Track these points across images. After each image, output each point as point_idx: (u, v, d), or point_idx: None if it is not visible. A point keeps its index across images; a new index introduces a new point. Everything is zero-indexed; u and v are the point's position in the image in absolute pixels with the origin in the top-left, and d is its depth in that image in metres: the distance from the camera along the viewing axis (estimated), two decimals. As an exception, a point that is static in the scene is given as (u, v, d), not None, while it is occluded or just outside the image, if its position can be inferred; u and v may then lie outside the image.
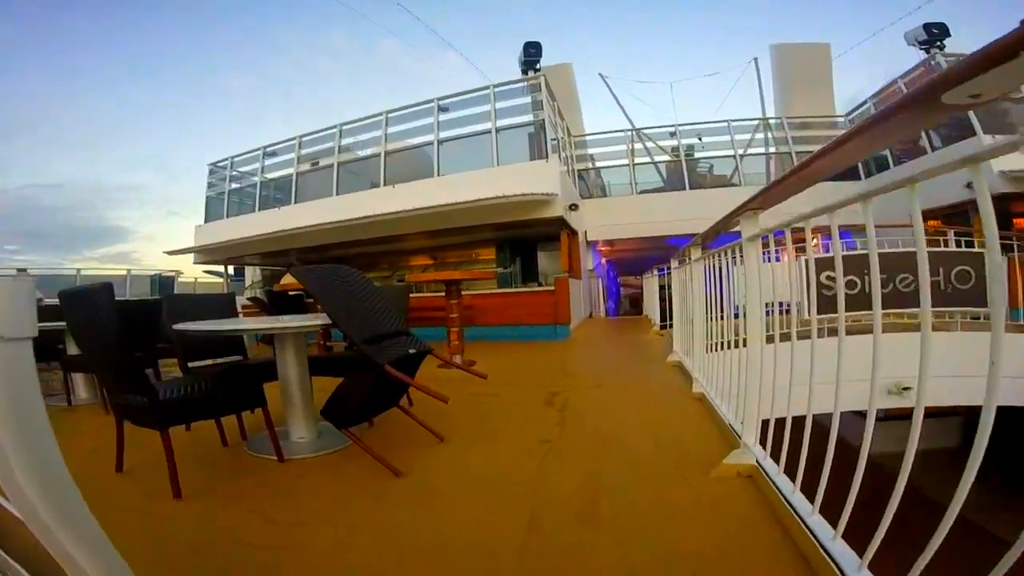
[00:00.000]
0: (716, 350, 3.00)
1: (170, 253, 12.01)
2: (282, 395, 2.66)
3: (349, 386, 2.31)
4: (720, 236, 2.67)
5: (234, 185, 12.19)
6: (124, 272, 15.07)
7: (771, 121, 13.24)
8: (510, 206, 7.50)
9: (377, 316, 2.40)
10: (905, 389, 4.83)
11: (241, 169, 12.20)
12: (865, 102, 11.54)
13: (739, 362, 2.14)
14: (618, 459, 2.23)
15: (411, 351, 2.31)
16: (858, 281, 4.41)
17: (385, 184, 9.23)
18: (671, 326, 7.09)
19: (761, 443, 1.93)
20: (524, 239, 10.11)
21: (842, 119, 12.91)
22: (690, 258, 3.58)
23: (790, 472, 1.59)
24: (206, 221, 12.54)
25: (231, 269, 13.56)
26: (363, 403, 2.28)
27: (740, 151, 11.99)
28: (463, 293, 5.50)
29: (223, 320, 2.85)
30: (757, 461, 1.84)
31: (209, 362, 3.11)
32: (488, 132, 8.39)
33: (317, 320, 2.44)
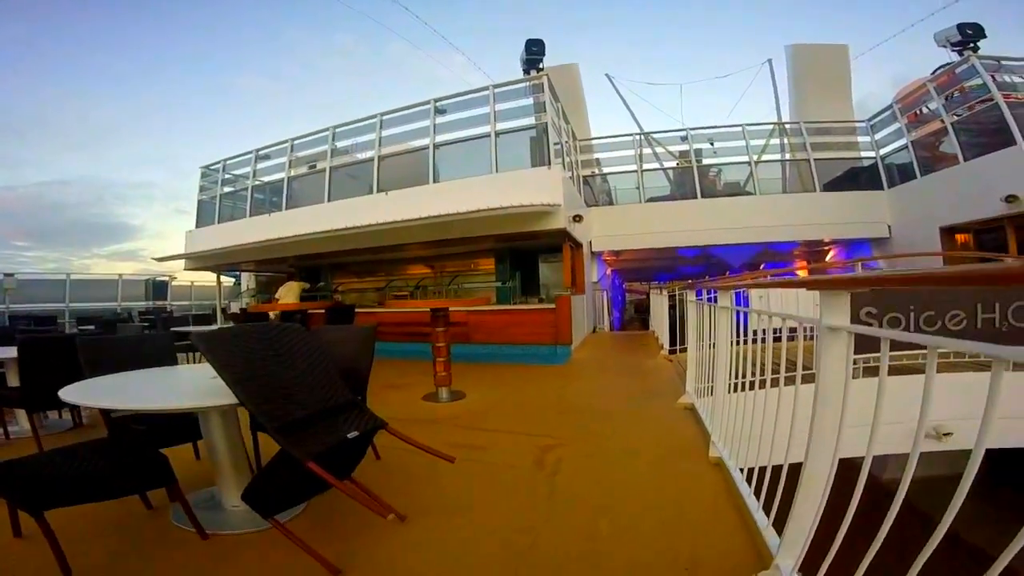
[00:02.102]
0: (741, 389, 2.47)
1: (160, 260, 11.61)
2: (209, 454, 2.17)
3: (281, 462, 1.80)
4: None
5: (227, 189, 11.74)
6: (116, 277, 14.79)
7: (787, 126, 12.62)
8: (509, 217, 6.96)
9: (312, 389, 1.88)
10: (946, 435, 4.29)
11: (234, 172, 11.75)
12: (889, 107, 10.88)
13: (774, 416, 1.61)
14: (611, 568, 1.72)
15: (349, 436, 1.78)
16: (902, 318, 3.84)
17: (379, 190, 8.73)
18: (682, 351, 6.55)
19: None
20: (525, 250, 9.58)
21: (863, 124, 12.23)
22: (712, 300, 3.03)
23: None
24: (197, 226, 12.10)
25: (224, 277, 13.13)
26: (300, 483, 1.77)
27: (755, 157, 11.36)
28: (457, 307, 4.98)
29: (116, 391, 2.24)
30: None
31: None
32: (487, 136, 7.86)
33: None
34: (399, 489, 2.43)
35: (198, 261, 11.80)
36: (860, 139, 12.00)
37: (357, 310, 7.83)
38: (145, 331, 8.31)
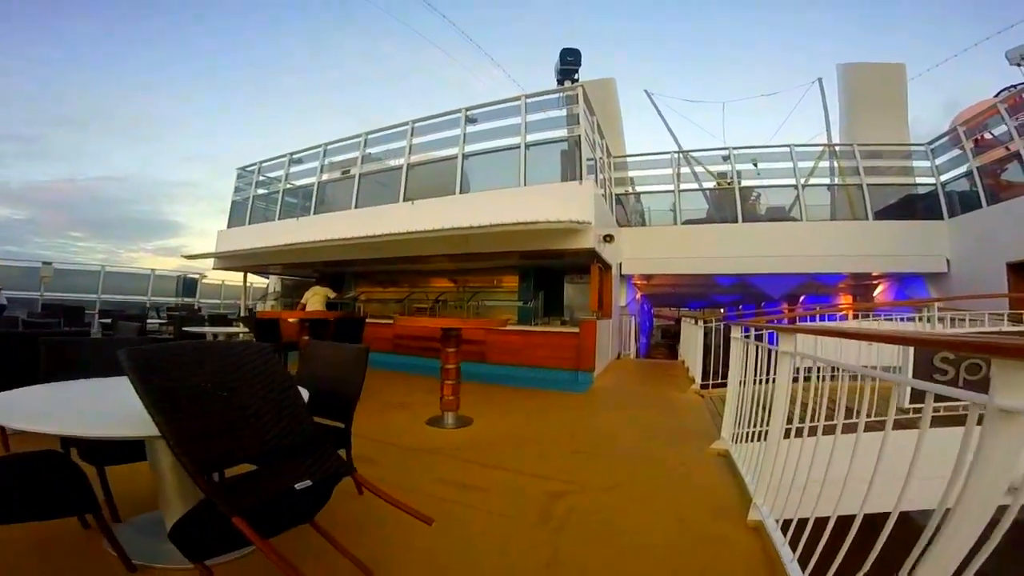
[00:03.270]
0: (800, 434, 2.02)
1: (189, 257, 11.76)
2: (153, 475, 1.86)
3: (206, 510, 1.45)
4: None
5: (260, 191, 11.86)
6: (148, 271, 15.17)
7: (838, 148, 11.88)
8: (535, 233, 6.60)
9: (265, 423, 1.53)
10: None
11: (268, 175, 11.87)
12: (952, 129, 10.06)
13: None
14: None
15: (298, 486, 1.42)
16: (982, 365, 3.27)
17: (405, 199, 8.55)
18: (715, 386, 5.98)
19: None
20: (551, 269, 9.19)
21: (922, 147, 11.35)
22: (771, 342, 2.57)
23: None
24: (229, 226, 12.25)
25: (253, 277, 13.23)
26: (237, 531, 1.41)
27: (802, 180, 10.68)
28: (470, 327, 4.62)
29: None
30: None
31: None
32: (517, 148, 7.57)
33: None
34: (373, 536, 2.07)
35: (226, 261, 11.91)
36: (916, 164, 11.19)
37: (373, 320, 7.59)
38: (163, 326, 8.35)
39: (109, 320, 7.38)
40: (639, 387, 6.87)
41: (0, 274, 11.46)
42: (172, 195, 59.43)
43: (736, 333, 3.26)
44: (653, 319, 19.16)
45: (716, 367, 5.77)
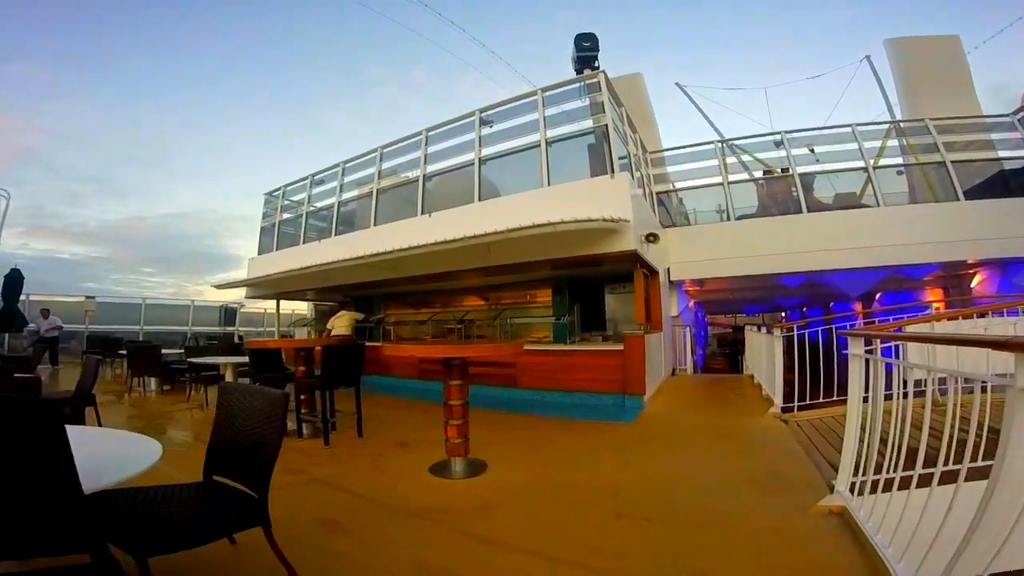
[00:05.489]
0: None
1: (218, 287, 11.64)
2: None
3: None
4: None
5: (285, 215, 11.66)
6: (189, 303, 15.41)
7: (904, 125, 10.38)
8: (565, 237, 5.72)
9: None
10: None
11: (293, 198, 11.67)
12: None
13: None
14: None
15: None
16: None
17: (422, 212, 7.92)
18: (801, 408, 4.82)
19: None
20: (588, 278, 8.24)
21: (1008, 118, 9.74)
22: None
23: None
24: (259, 253, 12.11)
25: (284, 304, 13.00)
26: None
27: (872, 161, 9.27)
28: (477, 354, 3.79)
29: None
30: None
31: None
32: (536, 146, 6.77)
33: None
34: None
35: (257, 289, 11.71)
36: (1001, 136, 9.67)
37: (372, 343, 6.86)
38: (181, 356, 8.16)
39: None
40: (702, 412, 5.74)
41: (60, 309, 11.93)
42: (233, 229, 63.22)
43: (855, 348, 2.25)
44: (707, 327, 17.59)
45: (803, 386, 4.68)
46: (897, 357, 2.53)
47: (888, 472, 2.07)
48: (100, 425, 4.36)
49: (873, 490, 2.20)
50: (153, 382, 7.46)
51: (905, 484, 1.93)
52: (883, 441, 2.28)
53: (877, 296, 12.63)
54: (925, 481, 1.82)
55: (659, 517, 2.58)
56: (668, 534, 2.40)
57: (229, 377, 6.06)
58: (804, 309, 20.66)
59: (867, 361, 2.26)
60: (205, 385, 6.64)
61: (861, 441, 2.34)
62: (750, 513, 2.61)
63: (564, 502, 2.83)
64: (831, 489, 2.71)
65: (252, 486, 1.70)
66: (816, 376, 4.72)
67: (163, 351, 7.64)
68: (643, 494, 2.93)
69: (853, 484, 2.40)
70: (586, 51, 8.73)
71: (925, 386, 2.47)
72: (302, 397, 4.32)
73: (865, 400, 2.40)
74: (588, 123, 6.68)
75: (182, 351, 8.09)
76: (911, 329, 2.73)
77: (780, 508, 2.60)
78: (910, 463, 2.03)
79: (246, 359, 5.98)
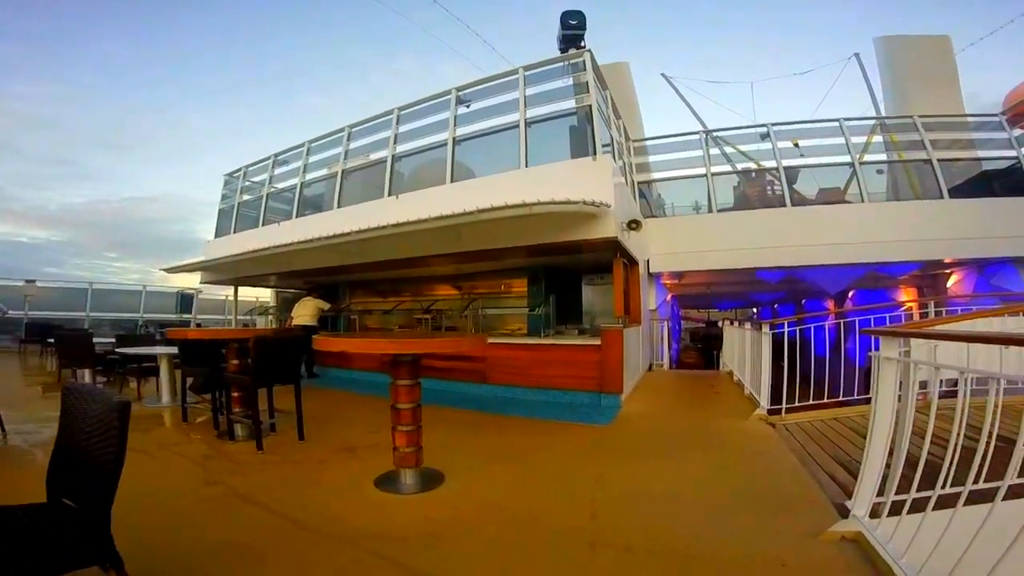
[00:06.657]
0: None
1: (169, 271, 10.78)
2: None
3: None
4: None
5: (245, 197, 10.87)
6: (140, 288, 14.40)
7: (889, 121, 10.28)
8: (542, 221, 5.27)
9: None
10: None
11: (254, 179, 10.88)
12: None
13: None
14: None
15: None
16: None
17: (390, 194, 7.34)
18: (789, 410, 4.51)
19: None
20: (565, 268, 7.82)
21: (995, 118, 9.74)
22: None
23: None
24: (216, 236, 11.29)
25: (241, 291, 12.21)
26: None
27: (858, 156, 9.10)
28: (432, 350, 3.32)
29: None
30: None
31: None
32: (516, 126, 6.28)
33: None
34: None
35: (213, 274, 10.91)
36: (988, 136, 9.70)
37: (343, 334, 6.30)
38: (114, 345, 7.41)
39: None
40: (684, 413, 5.38)
41: (5, 295, 11.48)
42: (203, 213, 60.78)
43: (888, 351, 1.85)
44: (681, 322, 17.43)
45: (792, 386, 4.37)
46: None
47: (914, 492, 1.70)
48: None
49: (895, 511, 1.84)
50: (87, 374, 6.73)
51: (942, 504, 1.57)
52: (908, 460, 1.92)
53: (850, 294, 12.62)
54: (958, 500, 1.47)
55: (643, 547, 2.16)
56: (656, 571, 1.98)
57: (164, 370, 5.44)
58: (776, 306, 20.78)
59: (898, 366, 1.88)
60: (139, 378, 5.99)
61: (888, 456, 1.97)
62: (750, 541, 2.22)
63: (531, 527, 2.39)
64: (838, 509, 2.36)
65: (92, 513, 1.21)
66: (806, 376, 4.41)
67: (98, 340, 6.90)
68: (623, 516, 2.50)
69: (875, 506, 2.04)
70: (572, 29, 8.22)
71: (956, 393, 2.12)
72: (234, 395, 3.76)
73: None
74: (571, 103, 6.22)
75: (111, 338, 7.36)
76: (949, 328, 2.36)
77: (784, 534, 2.22)
78: (927, 483, 1.67)
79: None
